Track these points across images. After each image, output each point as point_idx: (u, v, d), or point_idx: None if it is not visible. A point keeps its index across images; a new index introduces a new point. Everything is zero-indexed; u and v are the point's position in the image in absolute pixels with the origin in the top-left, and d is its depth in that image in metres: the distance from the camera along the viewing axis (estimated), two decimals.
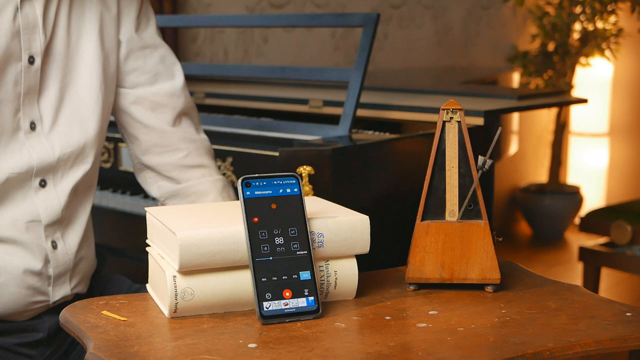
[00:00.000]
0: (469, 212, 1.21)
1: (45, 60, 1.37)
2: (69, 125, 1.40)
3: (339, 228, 1.14)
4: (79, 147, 1.41)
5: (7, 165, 1.33)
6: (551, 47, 4.65)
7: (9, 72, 1.32)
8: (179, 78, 1.55)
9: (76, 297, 1.47)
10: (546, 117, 5.06)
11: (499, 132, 1.20)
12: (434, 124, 1.26)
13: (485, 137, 1.99)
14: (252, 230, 1.08)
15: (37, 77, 1.35)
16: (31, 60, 1.34)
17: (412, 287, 1.22)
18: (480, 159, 1.19)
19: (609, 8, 4.50)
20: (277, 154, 1.67)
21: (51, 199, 1.38)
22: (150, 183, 1.56)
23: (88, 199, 1.47)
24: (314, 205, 1.21)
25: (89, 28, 1.42)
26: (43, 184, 1.37)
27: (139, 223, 1.73)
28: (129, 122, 1.52)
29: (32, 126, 1.36)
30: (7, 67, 1.32)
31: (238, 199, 1.13)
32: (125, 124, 1.53)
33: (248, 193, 1.10)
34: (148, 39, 1.51)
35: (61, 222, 1.40)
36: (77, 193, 1.43)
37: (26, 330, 1.41)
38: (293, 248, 1.09)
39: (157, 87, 1.52)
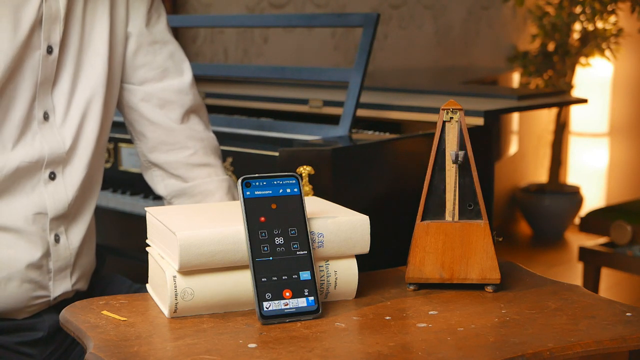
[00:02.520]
0: (469, 212, 1.21)
1: (61, 52, 1.38)
2: (79, 120, 1.41)
3: (339, 228, 1.14)
4: (88, 140, 1.42)
5: (19, 154, 1.35)
6: (551, 47, 4.65)
7: (28, 60, 1.34)
8: (187, 75, 1.55)
9: (76, 295, 1.48)
10: (546, 117, 5.06)
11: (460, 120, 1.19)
12: (434, 124, 1.26)
13: (485, 137, 1.99)
14: (252, 230, 1.08)
15: (54, 68, 1.37)
16: (49, 50, 1.36)
17: (412, 287, 1.22)
18: (452, 153, 1.19)
19: (609, 8, 4.50)
20: (277, 154, 1.67)
21: (59, 193, 1.39)
22: (157, 181, 1.57)
23: (94, 195, 1.48)
24: (314, 205, 1.21)
25: (101, 21, 1.43)
26: (53, 176, 1.39)
27: (139, 223, 1.73)
28: (137, 119, 1.52)
29: (46, 116, 1.38)
30: (27, 55, 1.34)
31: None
32: (133, 121, 1.53)
33: (248, 193, 1.10)
34: (158, 34, 1.51)
35: (66, 216, 1.41)
36: (84, 188, 1.44)
37: (26, 329, 1.42)
38: (293, 248, 1.09)
39: (166, 83, 1.52)
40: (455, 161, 1.19)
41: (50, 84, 1.38)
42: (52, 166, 1.38)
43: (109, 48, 1.44)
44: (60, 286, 1.42)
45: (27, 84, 1.35)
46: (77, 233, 1.43)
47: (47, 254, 1.39)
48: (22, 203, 1.36)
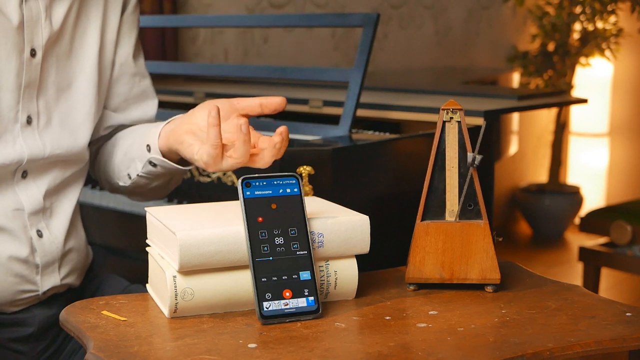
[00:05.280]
0: (469, 212, 1.21)
1: (48, 59, 1.39)
2: (59, 128, 1.42)
3: (339, 228, 1.14)
4: (68, 152, 1.43)
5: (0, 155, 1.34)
6: (551, 47, 4.66)
7: (13, 62, 1.34)
8: (152, 111, 1.59)
9: (68, 290, 1.48)
10: (546, 117, 5.06)
11: (483, 126, 1.20)
12: (434, 124, 1.27)
13: (486, 137, 1.99)
14: (252, 230, 1.08)
15: (38, 72, 1.38)
16: (33, 53, 1.36)
17: (412, 287, 1.22)
18: (470, 155, 1.19)
19: (609, 8, 4.50)
20: None
21: (31, 189, 1.40)
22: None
23: (73, 190, 1.48)
24: (314, 205, 1.21)
25: (91, 41, 1.46)
26: (24, 175, 1.39)
27: (139, 223, 1.73)
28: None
29: (29, 120, 1.38)
30: (12, 56, 1.34)
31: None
32: None
33: (248, 193, 1.10)
34: (140, 66, 1.57)
35: (44, 211, 1.41)
36: (58, 185, 1.44)
37: (16, 324, 1.41)
38: (293, 248, 1.09)
39: (133, 113, 1.57)
40: (471, 164, 1.19)
41: (35, 89, 1.38)
42: (27, 166, 1.39)
43: (97, 69, 1.46)
44: (49, 280, 1.42)
45: (12, 85, 1.35)
46: (59, 227, 1.44)
47: (32, 249, 1.39)
48: None
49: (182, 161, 1.41)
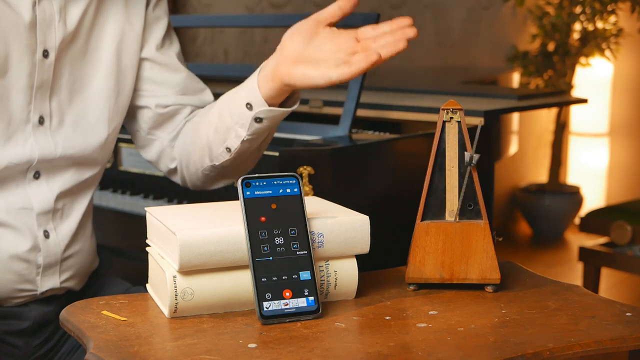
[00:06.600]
0: (469, 212, 1.21)
1: (62, 60, 1.39)
2: (72, 129, 1.42)
3: (339, 228, 1.14)
4: (80, 153, 1.43)
5: (9, 154, 1.35)
6: (551, 47, 4.66)
7: (25, 63, 1.35)
8: (211, 96, 1.60)
9: (68, 293, 1.47)
10: (546, 117, 5.06)
11: (480, 126, 1.20)
12: (434, 124, 1.26)
13: (486, 137, 1.99)
14: (252, 230, 1.08)
15: (50, 72, 1.38)
16: (45, 54, 1.37)
17: (412, 287, 1.22)
18: (467, 154, 1.19)
19: (609, 8, 4.50)
20: (277, 154, 1.67)
21: (43, 191, 1.40)
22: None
23: (85, 195, 1.48)
24: (314, 205, 1.21)
25: (108, 41, 1.46)
26: (37, 175, 1.39)
27: (139, 223, 1.73)
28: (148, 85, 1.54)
29: (41, 120, 1.38)
30: (24, 57, 1.34)
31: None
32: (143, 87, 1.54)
33: (248, 193, 1.10)
34: (172, 57, 1.55)
35: (55, 213, 1.41)
36: (71, 189, 1.44)
37: (11, 317, 1.41)
38: (293, 248, 1.09)
39: (198, 98, 1.57)
40: (468, 163, 1.19)
41: (48, 90, 1.38)
42: (39, 167, 1.39)
43: (116, 69, 1.46)
44: (48, 282, 1.42)
45: (24, 86, 1.35)
46: (66, 230, 1.44)
47: (35, 249, 1.39)
48: (6, 198, 1.36)
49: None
